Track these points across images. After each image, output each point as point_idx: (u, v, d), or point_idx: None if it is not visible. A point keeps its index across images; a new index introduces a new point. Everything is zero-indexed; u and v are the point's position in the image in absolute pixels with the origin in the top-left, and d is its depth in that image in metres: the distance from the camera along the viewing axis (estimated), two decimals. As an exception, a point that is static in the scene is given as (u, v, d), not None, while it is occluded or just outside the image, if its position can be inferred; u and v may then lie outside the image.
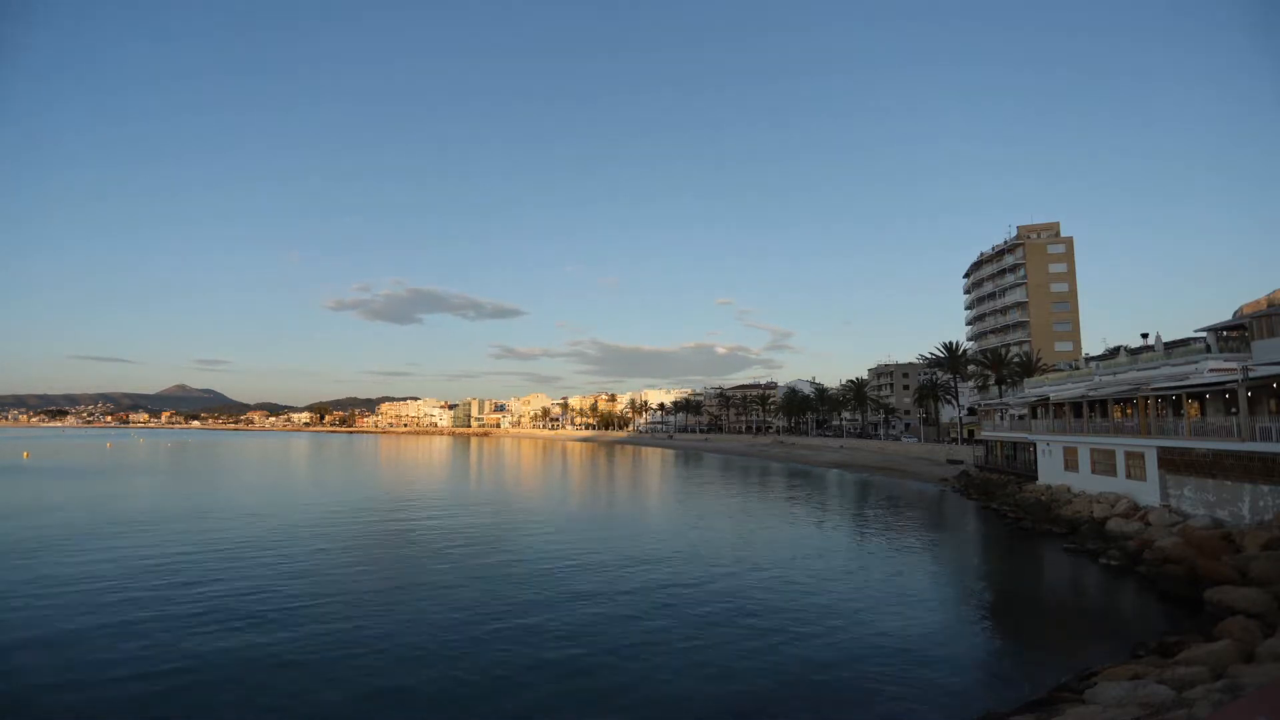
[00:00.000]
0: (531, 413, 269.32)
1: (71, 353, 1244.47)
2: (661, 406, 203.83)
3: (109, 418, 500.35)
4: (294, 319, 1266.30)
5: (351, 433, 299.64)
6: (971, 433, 79.86)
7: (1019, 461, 52.55)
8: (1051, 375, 58.63)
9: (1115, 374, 44.14)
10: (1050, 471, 44.81)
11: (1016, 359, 79.66)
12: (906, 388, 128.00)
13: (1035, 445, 48.13)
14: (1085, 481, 40.22)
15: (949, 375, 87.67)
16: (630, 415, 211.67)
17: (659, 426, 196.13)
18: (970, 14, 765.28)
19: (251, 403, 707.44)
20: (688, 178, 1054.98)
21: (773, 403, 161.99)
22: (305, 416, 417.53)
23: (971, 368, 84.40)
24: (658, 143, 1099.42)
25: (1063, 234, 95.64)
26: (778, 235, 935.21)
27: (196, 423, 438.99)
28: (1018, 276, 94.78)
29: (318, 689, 14.60)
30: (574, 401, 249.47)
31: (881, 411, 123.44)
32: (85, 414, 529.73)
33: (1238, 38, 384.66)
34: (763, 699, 14.33)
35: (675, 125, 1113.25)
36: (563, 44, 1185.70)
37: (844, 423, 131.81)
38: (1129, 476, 36.12)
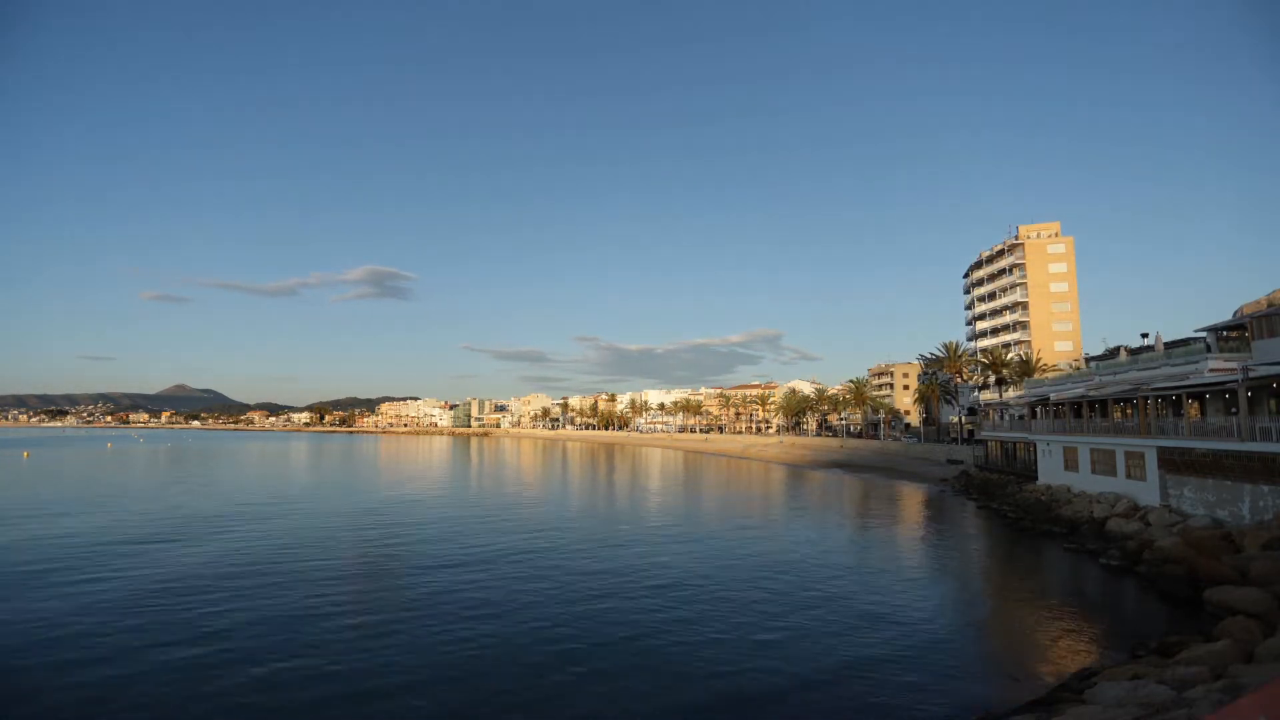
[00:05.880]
0: (532, 413, 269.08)
1: (71, 353, 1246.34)
2: (661, 406, 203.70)
3: (109, 418, 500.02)
4: (294, 317, 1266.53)
5: (351, 433, 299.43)
6: (971, 433, 79.82)
7: (1019, 461, 52.54)
8: (1051, 375, 58.62)
9: (1115, 374, 44.12)
10: (1050, 471, 44.80)
11: (1016, 359, 79.64)
12: (906, 388, 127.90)
13: (1035, 445, 48.12)
14: (1085, 481, 40.22)
15: (949, 375, 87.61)
16: (630, 415, 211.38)
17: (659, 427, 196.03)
18: (970, 13, 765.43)
19: (251, 403, 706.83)
20: (686, 178, 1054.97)
21: (773, 403, 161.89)
22: (305, 416, 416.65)
23: (971, 368, 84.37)
24: (655, 142, 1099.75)
25: (1063, 234, 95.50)
26: (777, 236, 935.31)
27: (196, 423, 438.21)
28: (1017, 276, 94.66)
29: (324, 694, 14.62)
30: (574, 402, 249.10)
31: (881, 411, 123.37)
32: (85, 414, 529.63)
33: (1238, 37, 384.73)
34: (762, 698, 14.33)
35: (673, 124, 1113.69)
36: (558, 39, 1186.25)
37: (844, 423, 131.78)
38: (1129, 476, 36.12)
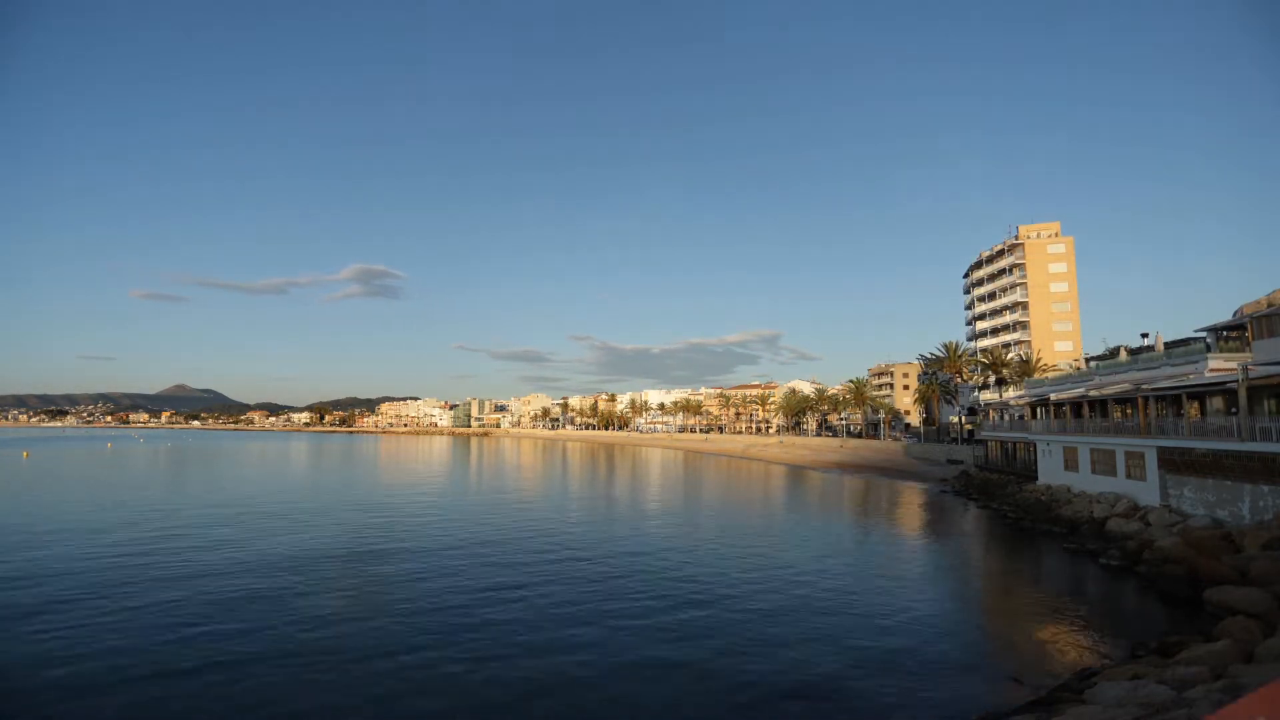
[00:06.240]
0: (532, 413, 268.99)
1: (71, 353, 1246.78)
2: (661, 406, 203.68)
3: (109, 418, 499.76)
4: (293, 317, 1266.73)
5: (352, 433, 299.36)
6: (971, 433, 79.80)
7: (1019, 461, 52.51)
8: (1051, 375, 58.62)
9: (1115, 374, 44.10)
10: (1050, 471, 44.79)
11: (1016, 359, 79.64)
12: (906, 388, 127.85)
13: (1035, 445, 48.11)
14: (1085, 481, 40.21)
15: (949, 375, 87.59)
16: (630, 415, 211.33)
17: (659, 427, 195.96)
18: (971, 13, 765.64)
19: (251, 403, 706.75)
20: (685, 179, 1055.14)
21: (773, 403, 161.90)
22: (305, 416, 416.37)
23: (971, 368, 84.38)
24: (653, 144, 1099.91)
25: (1063, 234, 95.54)
26: (777, 236, 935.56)
27: (196, 423, 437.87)
28: (1017, 277, 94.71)
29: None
30: (574, 402, 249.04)
31: (882, 411, 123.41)
32: (85, 414, 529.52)
33: (1239, 36, 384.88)
34: (762, 699, 14.33)
35: (671, 125, 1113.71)
36: (554, 40, 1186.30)
37: (844, 423, 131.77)
38: (1129, 476, 36.11)
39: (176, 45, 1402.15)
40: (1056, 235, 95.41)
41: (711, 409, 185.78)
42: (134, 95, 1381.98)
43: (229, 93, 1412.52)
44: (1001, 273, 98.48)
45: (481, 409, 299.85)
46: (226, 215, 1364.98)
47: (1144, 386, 36.55)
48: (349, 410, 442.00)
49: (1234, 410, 30.37)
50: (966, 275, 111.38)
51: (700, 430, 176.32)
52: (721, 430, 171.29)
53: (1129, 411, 39.53)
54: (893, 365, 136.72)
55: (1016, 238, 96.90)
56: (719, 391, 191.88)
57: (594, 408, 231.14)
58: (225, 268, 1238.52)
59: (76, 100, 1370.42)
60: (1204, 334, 41.01)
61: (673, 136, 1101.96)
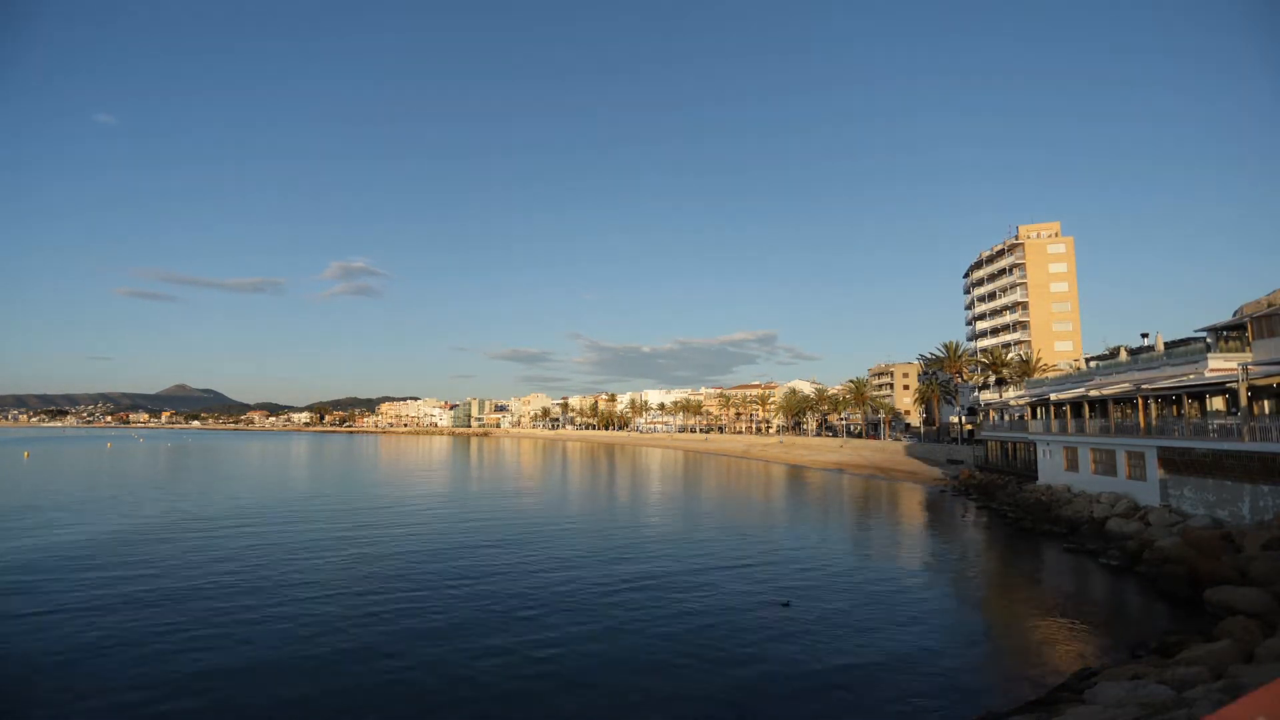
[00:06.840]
0: (532, 413, 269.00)
1: (71, 353, 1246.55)
2: (661, 407, 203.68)
3: (109, 418, 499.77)
4: (294, 317, 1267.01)
5: (352, 433, 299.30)
6: (971, 433, 79.78)
7: (1019, 461, 52.52)
8: (1051, 375, 58.62)
9: (1115, 374, 44.10)
10: (1050, 471, 44.80)
11: (1016, 359, 79.64)
12: (906, 388, 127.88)
13: (1035, 445, 48.13)
14: (1085, 481, 40.22)
15: (949, 375, 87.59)
16: (630, 415, 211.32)
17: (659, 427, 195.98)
18: (970, 13, 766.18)
19: (251, 402, 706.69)
20: (686, 181, 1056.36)
21: (773, 403, 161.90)
22: (305, 416, 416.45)
23: (971, 368, 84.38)
24: (656, 148, 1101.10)
25: (1063, 234, 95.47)
26: (779, 237, 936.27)
27: (196, 423, 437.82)
28: (1017, 276, 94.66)
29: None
30: (574, 402, 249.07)
31: (882, 411, 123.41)
32: (85, 414, 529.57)
33: (1238, 37, 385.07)
34: (763, 698, 14.33)
35: (676, 131, 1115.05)
36: (565, 54, 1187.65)
37: (844, 423, 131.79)
38: (1129, 476, 36.12)
39: (164, 47, 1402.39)
40: (1056, 235, 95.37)
41: (711, 409, 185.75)
42: (117, 95, 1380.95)
43: (226, 93, 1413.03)
44: (1001, 273, 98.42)
45: (481, 409, 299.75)
46: (209, 212, 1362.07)
47: (1144, 386, 36.57)
48: (349, 410, 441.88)
49: (1234, 410, 30.40)
50: (966, 275, 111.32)
51: (700, 430, 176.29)
52: (721, 430, 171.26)
53: (1129, 411, 39.54)
54: (893, 365, 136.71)
55: (1016, 238, 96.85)
56: (719, 391, 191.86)
57: (594, 408, 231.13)
58: (207, 266, 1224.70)
59: (65, 100, 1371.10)
60: (1204, 334, 40.98)
61: (670, 142, 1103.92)
